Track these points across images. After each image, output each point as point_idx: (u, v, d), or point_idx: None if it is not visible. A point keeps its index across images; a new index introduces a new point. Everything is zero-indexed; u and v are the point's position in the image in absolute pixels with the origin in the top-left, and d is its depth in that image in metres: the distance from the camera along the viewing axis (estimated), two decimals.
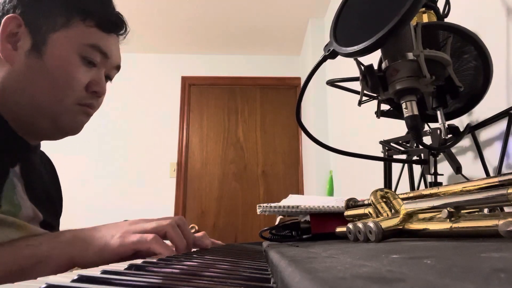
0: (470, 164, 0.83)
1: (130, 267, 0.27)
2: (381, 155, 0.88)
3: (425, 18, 0.70)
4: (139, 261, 0.30)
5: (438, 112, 0.59)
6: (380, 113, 0.63)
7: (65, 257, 0.44)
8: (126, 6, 2.56)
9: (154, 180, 2.94)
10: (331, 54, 0.55)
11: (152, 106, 3.09)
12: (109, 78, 0.68)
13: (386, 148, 0.87)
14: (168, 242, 0.49)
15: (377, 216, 0.45)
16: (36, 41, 0.58)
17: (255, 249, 0.63)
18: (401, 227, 0.40)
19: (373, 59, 0.60)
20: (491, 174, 0.73)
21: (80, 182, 2.85)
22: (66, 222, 0.82)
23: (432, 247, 0.27)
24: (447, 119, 0.66)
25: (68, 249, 0.45)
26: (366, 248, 0.29)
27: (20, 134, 0.60)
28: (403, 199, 0.44)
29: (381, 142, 0.88)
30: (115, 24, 0.65)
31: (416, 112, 0.52)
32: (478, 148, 0.73)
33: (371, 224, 0.39)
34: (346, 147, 1.86)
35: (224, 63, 3.21)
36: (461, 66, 0.64)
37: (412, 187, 0.90)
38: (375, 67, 0.58)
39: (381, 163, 0.93)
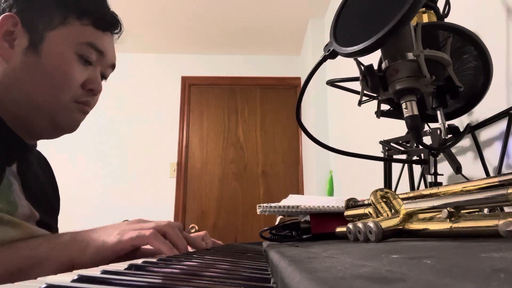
0: (470, 164, 0.83)
1: (130, 267, 0.27)
2: (381, 155, 0.88)
3: (425, 18, 0.70)
4: (139, 261, 0.30)
5: (438, 112, 0.59)
6: (380, 113, 0.63)
7: (64, 259, 0.44)
8: (126, 6, 2.57)
9: (154, 180, 2.94)
10: (331, 54, 0.55)
11: (152, 106, 3.09)
12: (104, 77, 0.68)
13: (386, 148, 0.87)
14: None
15: (377, 216, 0.45)
16: (33, 40, 0.58)
17: (255, 249, 0.63)
18: (401, 227, 0.40)
19: (373, 59, 0.60)
20: (491, 174, 0.73)
21: (80, 182, 2.85)
22: (66, 222, 0.82)
23: (432, 247, 0.27)
24: (447, 119, 0.66)
25: (66, 250, 0.45)
26: (366, 248, 0.29)
27: (17, 133, 0.60)
28: (403, 199, 0.44)
29: (381, 142, 0.88)
30: (111, 23, 0.65)
31: (416, 112, 0.52)
32: (478, 148, 0.73)
33: (371, 224, 0.39)
34: (346, 147, 1.86)
35: (224, 63, 3.21)
36: (461, 66, 0.64)
37: (412, 187, 0.90)
38: (375, 67, 0.58)
39: (381, 163, 0.93)
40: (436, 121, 0.62)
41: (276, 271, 0.22)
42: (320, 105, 2.50)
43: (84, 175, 2.90)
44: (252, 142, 3.10)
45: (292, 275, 0.16)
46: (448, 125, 0.69)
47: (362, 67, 0.57)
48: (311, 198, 0.89)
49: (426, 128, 0.77)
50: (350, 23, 0.56)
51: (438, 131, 0.72)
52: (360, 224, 0.40)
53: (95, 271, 0.23)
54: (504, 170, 0.69)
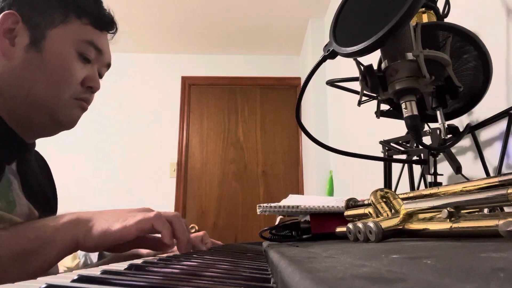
0: (470, 164, 0.83)
1: (130, 267, 0.27)
2: (381, 155, 0.88)
3: (425, 18, 0.70)
4: (139, 261, 0.30)
5: (438, 112, 0.59)
6: (380, 113, 0.63)
7: (70, 239, 0.44)
8: (126, 6, 2.57)
9: (154, 180, 2.94)
10: (331, 54, 0.55)
11: (152, 106, 3.10)
12: (100, 75, 0.69)
13: (386, 148, 0.87)
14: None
15: (377, 216, 0.45)
16: (34, 37, 0.59)
17: (255, 249, 0.63)
18: (401, 227, 0.40)
19: (373, 59, 0.60)
20: (491, 174, 0.73)
21: (79, 181, 2.85)
22: None
23: (432, 247, 0.27)
24: (447, 119, 0.66)
25: (72, 230, 0.45)
26: (366, 248, 0.29)
27: (17, 132, 0.60)
28: (403, 199, 0.44)
29: (381, 142, 0.88)
30: (108, 23, 0.67)
31: (415, 112, 0.52)
32: (478, 148, 0.73)
33: (371, 224, 0.39)
34: (346, 147, 1.86)
35: (224, 63, 3.21)
36: (461, 66, 0.64)
37: (412, 187, 0.90)
38: (375, 67, 0.58)
39: (381, 163, 0.93)
40: (436, 121, 0.62)
41: (276, 271, 0.22)
42: (320, 105, 2.50)
43: (83, 175, 2.90)
44: (252, 142, 3.10)
45: (292, 275, 0.16)
46: (448, 125, 0.69)
47: (362, 67, 0.57)
48: (311, 198, 0.89)
49: (426, 128, 0.77)
50: (350, 23, 0.56)
51: (438, 131, 0.72)
52: (360, 224, 0.40)
53: (95, 271, 0.23)
54: (504, 170, 0.69)
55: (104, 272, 0.23)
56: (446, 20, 0.73)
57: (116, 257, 0.74)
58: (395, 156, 0.87)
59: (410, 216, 0.40)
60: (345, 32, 0.56)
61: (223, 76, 3.19)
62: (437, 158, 0.75)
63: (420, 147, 0.76)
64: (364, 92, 0.58)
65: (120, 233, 0.44)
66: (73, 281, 0.20)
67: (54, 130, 0.65)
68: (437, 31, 0.63)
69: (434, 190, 0.40)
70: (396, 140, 0.86)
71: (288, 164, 3.06)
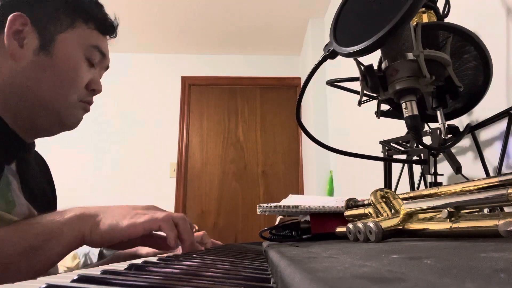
0: (470, 164, 0.83)
1: (130, 267, 0.27)
2: (381, 155, 0.88)
3: (425, 18, 0.70)
4: (139, 261, 0.30)
5: (438, 112, 0.59)
6: (380, 113, 0.63)
7: (76, 233, 0.45)
8: (127, 6, 2.57)
9: (154, 180, 2.94)
10: (331, 54, 0.55)
11: (152, 106, 3.10)
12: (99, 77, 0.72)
13: (386, 148, 0.87)
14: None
15: (377, 216, 0.45)
16: (44, 40, 0.61)
17: (255, 249, 0.63)
18: (401, 227, 0.40)
19: (373, 59, 0.60)
20: (491, 174, 0.73)
21: (79, 181, 2.85)
22: None
23: (432, 247, 0.27)
24: (447, 119, 0.66)
25: (78, 225, 0.45)
26: (366, 248, 0.29)
27: (17, 132, 0.61)
28: (403, 199, 0.44)
29: (381, 142, 0.88)
30: (111, 27, 0.69)
31: (416, 112, 0.52)
32: (478, 148, 0.73)
33: (371, 224, 0.39)
34: (346, 147, 1.86)
35: (224, 63, 3.21)
36: (461, 66, 0.64)
37: (412, 187, 0.90)
38: (375, 67, 0.58)
39: (381, 163, 0.93)
40: (436, 121, 0.62)
41: (276, 271, 0.22)
42: (320, 105, 2.50)
43: (83, 174, 2.90)
44: (252, 142, 3.10)
45: (292, 275, 0.16)
46: (448, 125, 0.69)
47: (362, 67, 0.57)
48: (311, 198, 0.89)
49: (426, 128, 0.77)
50: (350, 23, 0.56)
51: (438, 131, 0.71)
52: (360, 224, 0.40)
53: (95, 271, 0.23)
54: (504, 170, 0.69)
55: (104, 272, 0.23)
56: (446, 20, 0.73)
57: (116, 257, 0.74)
58: (395, 156, 0.87)
59: (410, 216, 0.40)
60: (345, 32, 0.56)
61: (223, 76, 3.19)
62: (437, 158, 0.75)
63: (420, 147, 0.76)
64: (364, 92, 0.58)
65: (128, 230, 0.45)
66: (73, 281, 0.20)
67: (56, 131, 0.66)
68: (437, 31, 0.63)
69: (434, 190, 0.40)
70: (396, 140, 0.86)
71: (288, 164, 3.06)
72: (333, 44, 0.54)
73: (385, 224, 0.39)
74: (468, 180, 0.42)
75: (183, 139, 3.06)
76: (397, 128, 0.97)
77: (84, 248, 1.51)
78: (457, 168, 0.71)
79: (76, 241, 0.45)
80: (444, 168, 0.81)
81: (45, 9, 0.62)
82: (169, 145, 3.03)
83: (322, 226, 0.67)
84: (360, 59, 0.57)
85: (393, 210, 0.44)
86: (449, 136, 0.72)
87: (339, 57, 0.55)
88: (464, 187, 0.35)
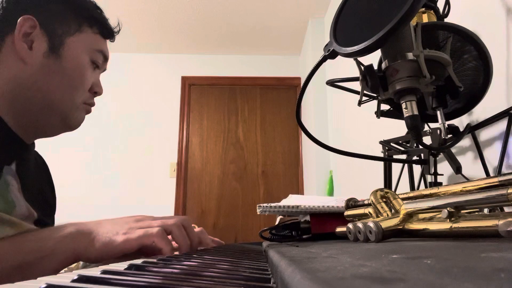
0: (470, 164, 0.83)
1: (130, 267, 0.27)
2: (381, 155, 0.88)
3: (425, 18, 0.70)
4: (139, 261, 0.30)
5: (438, 112, 0.59)
6: (380, 113, 0.63)
7: (70, 252, 0.44)
8: (127, 6, 2.57)
9: (154, 180, 2.94)
10: (331, 54, 0.55)
11: (152, 106, 3.10)
12: None
13: (386, 148, 0.87)
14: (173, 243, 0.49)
15: (377, 216, 0.45)
16: (53, 43, 0.62)
17: (255, 249, 0.63)
18: (401, 227, 0.40)
19: (373, 59, 0.60)
20: (491, 174, 0.73)
21: (79, 182, 2.85)
22: (65, 222, 0.82)
23: (432, 247, 0.27)
24: (447, 119, 0.66)
25: (72, 243, 0.45)
26: (366, 248, 0.29)
27: (17, 133, 0.61)
28: (403, 199, 0.44)
29: (381, 142, 0.88)
30: (112, 32, 0.72)
31: (416, 112, 0.52)
32: (478, 148, 0.73)
33: (371, 224, 0.39)
34: (346, 147, 1.86)
35: (224, 63, 3.21)
36: (461, 66, 0.64)
37: (412, 187, 0.90)
38: (375, 67, 0.58)
39: (381, 163, 0.93)
40: (436, 121, 0.62)
41: (276, 271, 0.22)
42: (320, 105, 2.50)
43: (83, 174, 2.90)
44: (252, 142, 3.10)
45: (292, 275, 0.16)
46: (448, 125, 0.69)
47: (362, 67, 0.57)
48: (311, 198, 0.89)
49: (426, 128, 0.77)
50: (350, 23, 0.56)
51: (438, 131, 0.72)
52: (360, 224, 0.40)
53: (95, 271, 0.23)
54: (504, 170, 0.69)
55: (104, 272, 0.23)
56: (446, 20, 0.73)
57: None
58: (395, 156, 0.87)
59: (410, 216, 0.40)
60: (345, 32, 0.56)
61: (223, 76, 3.19)
62: (437, 158, 0.75)
63: (420, 147, 0.76)
64: (364, 92, 0.58)
65: (123, 246, 0.44)
66: (73, 281, 0.20)
67: (59, 131, 0.67)
68: (438, 31, 0.63)
69: (434, 190, 0.40)
70: (396, 140, 0.86)
71: (288, 164, 3.06)
72: (333, 44, 0.54)
73: (385, 224, 0.39)
74: (468, 180, 0.42)
75: (183, 139, 3.06)
76: (397, 128, 0.97)
77: None
78: (457, 168, 0.71)
79: (69, 259, 0.44)
80: (444, 168, 0.81)
81: (53, 12, 0.63)
82: (169, 145, 3.03)
83: (322, 226, 0.67)
84: (360, 59, 0.57)
85: (393, 210, 0.44)
86: (449, 136, 0.72)
87: (339, 57, 0.55)
88: (464, 187, 0.35)
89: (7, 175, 0.57)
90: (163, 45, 3.08)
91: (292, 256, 0.24)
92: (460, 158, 0.79)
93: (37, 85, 0.61)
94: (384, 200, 0.46)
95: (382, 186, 0.85)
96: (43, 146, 0.77)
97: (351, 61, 0.60)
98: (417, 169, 0.88)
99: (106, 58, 0.70)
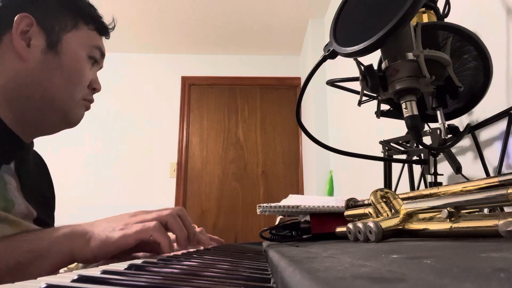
0: (470, 164, 0.83)
1: (130, 267, 0.27)
2: (381, 155, 0.88)
3: (425, 18, 0.70)
4: (139, 261, 0.30)
5: (438, 112, 0.59)
6: (380, 113, 0.63)
7: (65, 252, 0.44)
8: (127, 6, 2.57)
9: (154, 180, 2.94)
10: (331, 54, 0.55)
11: (152, 106, 3.10)
12: None
13: (386, 148, 0.87)
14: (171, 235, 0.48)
15: (377, 216, 0.45)
16: (51, 40, 0.62)
17: (255, 249, 0.63)
18: (401, 227, 0.40)
19: (373, 59, 0.60)
20: (491, 174, 0.73)
21: (79, 181, 2.85)
22: (65, 221, 0.82)
23: (432, 247, 0.27)
24: (447, 119, 0.66)
25: (68, 244, 0.45)
26: (366, 248, 0.29)
27: (16, 131, 0.61)
28: (403, 199, 0.44)
29: (381, 142, 0.88)
30: (107, 29, 0.72)
31: (416, 112, 0.52)
32: (478, 148, 0.73)
33: (371, 224, 0.39)
34: (346, 147, 1.86)
35: (224, 63, 3.21)
36: (461, 66, 0.64)
37: (412, 187, 0.90)
38: (375, 67, 0.58)
39: (381, 163, 0.93)
40: (436, 121, 0.62)
41: (276, 271, 0.22)
42: (320, 105, 2.50)
43: (83, 174, 2.90)
44: (252, 142, 3.10)
45: (292, 275, 0.16)
46: (448, 125, 0.69)
47: (362, 67, 0.57)
48: (311, 198, 0.89)
49: (426, 128, 0.77)
50: (350, 23, 0.56)
51: (438, 131, 0.72)
52: (360, 224, 0.40)
53: (95, 271, 0.23)
54: (504, 170, 0.69)
55: (104, 272, 0.23)
56: (446, 20, 0.73)
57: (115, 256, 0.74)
58: (395, 156, 0.87)
59: (410, 216, 0.40)
60: (345, 32, 0.56)
61: (223, 76, 3.19)
62: (437, 158, 0.75)
63: (420, 147, 0.76)
64: (364, 92, 0.58)
65: (120, 242, 0.44)
66: (73, 281, 0.20)
67: (59, 129, 0.67)
68: (437, 31, 0.63)
69: (434, 190, 0.40)
70: (396, 140, 0.86)
71: (288, 164, 3.06)
72: (333, 44, 0.54)
73: (385, 224, 0.39)
74: (468, 180, 0.42)
75: (183, 139, 3.06)
76: (397, 128, 0.97)
77: None
78: (457, 168, 0.71)
79: (64, 261, 0.44)
80: (444, 168, 0.81)
81: (49, 10, 0.63)
82: (169, 145, 3.03)
83: (322, 226, 0.67)
84: (360, 59, 0.57)
85: (393, 210, 0.44)
86: (449, 136, 0.72)
87: (339, 57, 0.55)
88: (464, 187, 0.35)
89: (5, 174, 0.57)
90: (163, 45, 3.08)
91: (292, 256, 0.24)
92: (460, 158, 0.79)
93: (37, 82, 0.61)
94: (384, 200, 0.46)
95: (382, 186, 0.85)
96: (42, 147, 0.77)
97: (351, 61, 0.60)
98: (417, 169, 0.88)
99: (103, 55, 0.70)
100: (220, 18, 2.70)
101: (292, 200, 0.79)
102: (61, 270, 0.46)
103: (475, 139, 0.74)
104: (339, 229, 0.54)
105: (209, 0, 2.50)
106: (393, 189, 0.93)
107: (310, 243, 0.55)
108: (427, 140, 0.72)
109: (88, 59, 0.66)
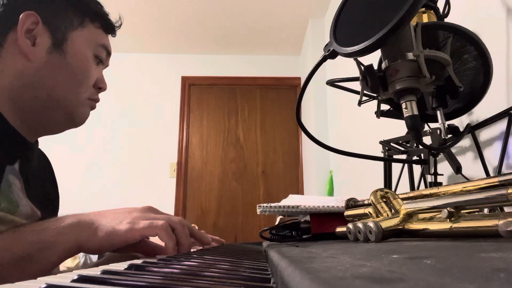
0: (470, 164, 0.83)
1: (130, 267, 0.27)
2: (381, 155, 0.88)
3: (425, 18, 0.70)
4: (139, 261, 0.30)
5: (438, 112, 0.59)
6: (380, 113, 0.63)
7: (72, 242, 0.44)
8: (127, 6, 2.57)
9: (154, 180, 2.94)
10: (331, 54, 0.55)
11: (152, 106, 3.10)
12: None
13: (386, 148, 0.87)
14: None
15: (377, 216, 0.45)
16: (56, 39, 0.61)
17: (255, 249, 0.63)
18: (401, 227, 0.40)
19: (373, 59, 0.60)
20: (491, 174, 0.73)
21: (80, 181, 2.85)
22: None
23: (432, 247, 0.27)
24: (447, 119, 0.66)
25: (74, 233, 0.44)
26: (366, 248, 0.29)
27: (21, 131, 0.60)
28: (403, 199, 0.44)
29: (381, 142, 0.88)
30: (113, 27, 0.71)
31: (416, 112, 0.52)
32: (478, 148, 0.73)
33: (371, 224, 0.39)
34: (346, 147, 1.86)
35: (224, 63, 3.21)
36: (461, 66, 0.64)
37: (412, 187, 0.90)
38: (375, 67, 0.58)
39: (381, 163, 0.93)
40: (436, 121, 0.62)
41: (276, 271, 0.22)
42: (320, 105, 2.50)
43: (83, 174, 2.90)
44: (252, 142, 3.10)
45: (292, 275, 0.16)
46: (448, 125, 0.69)
47: (362, 67, 0.57)
48: (311, 198, 0.89)
49: (426, 128, 0.77)
50: (350, 23, 0.56)
51: (438, 131, 0.72)
52: (360, 224, 0.40)
53: (95, 271, 0.23)
54: (504, 170, 0.69)
55: (104, 272, 0.23)
56: (446, 20, 0.73)
57: (116, 256, 0.74)
58: (395, 156, 0.87)
59: (410, 216, 0.40)
60: (345, 32, 0.56)
61: (223, 76, 3.19)
62: (437, 158, 0.75)
63: (420, 147, 0.76)
64: (365, 92, 0.58)
65: (126, 235, 0.44)
66: (73, 281, 0.20)
67: (64, 128, 0.67)
68: (438, 31, 0.63)
69: (434, 190, 0.40)
70: (396, 140, 0.86)
71: (288, 164, 3.06)
72: (333, 44, 0.54)
73: (385, 224, 0.39)
74: (468, 180, 0.42)
75: (183, 139, 3.06)
76: (397, 128, 0.97)
77: None
78: (457, 168, 0.71)
79: (71, 250, 0.44)
80: (444, 168, 0.81)
81: (54, 8, 0.62)
82: (169, 145, 3.03)
83: (322, 226, 0.67)
84: (360, 59, 0.57)
85: (393, 210, 0.44)
86: (449, 136, 0.72)
87: (339, 57, 0.55)
88: (464, 187, 0.35)
89: (10, 175, 0.56)
90: (163, 45, 3.08)
91: (292, 256, 0.24)
92: (460, 158, 0.79)
93: (42, 82, 0.60)
94: (384, 200, 0.46)
95: (382, 186, 0.85)
96: (42, 146, 0.77)
97: (351, 61, 0.60)
98: (417, 169, 0.88)
99: (109, 53, 0.70)
100: (220, 18, 2.70)
101: (292, 200, 0.79)
102: (64, 261, 0.45)
103: (475, 139, 0.74)
104: (339, 229, 0.54)
105: (209, 0, 2.50)
106: (393, 189, 0.93)
107: (310, 243, 0.55)
108: (427, 140, 0.72)
109: (94, 58, 0.66)
